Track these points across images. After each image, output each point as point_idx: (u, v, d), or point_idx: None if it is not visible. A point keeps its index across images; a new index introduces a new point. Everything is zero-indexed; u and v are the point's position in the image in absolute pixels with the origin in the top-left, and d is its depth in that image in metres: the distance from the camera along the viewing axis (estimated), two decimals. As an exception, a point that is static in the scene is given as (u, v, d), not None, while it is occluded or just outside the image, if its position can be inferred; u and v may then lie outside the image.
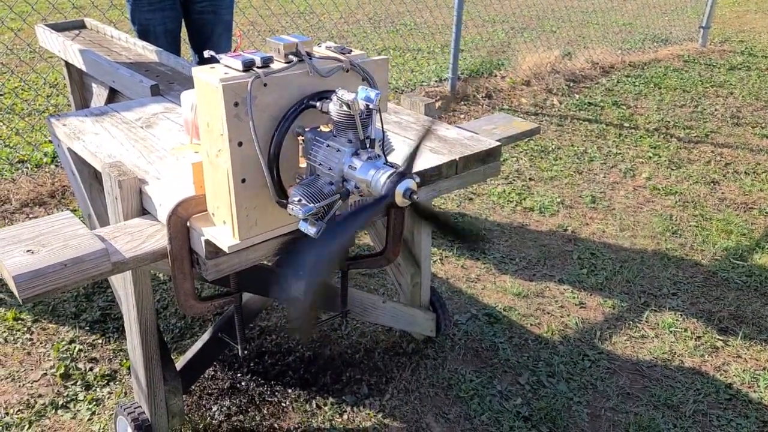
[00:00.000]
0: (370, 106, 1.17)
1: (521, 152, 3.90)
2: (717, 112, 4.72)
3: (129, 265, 1.32)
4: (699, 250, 2.96)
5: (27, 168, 3.44)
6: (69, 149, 1.84)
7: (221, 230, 1.31)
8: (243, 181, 1.24)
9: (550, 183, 3.54)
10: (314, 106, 1.24)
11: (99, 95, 2.49)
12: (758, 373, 2.25)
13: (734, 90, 5.23)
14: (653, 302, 2.59)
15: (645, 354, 2.32)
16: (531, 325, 2.44)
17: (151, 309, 1.61)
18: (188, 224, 1.34)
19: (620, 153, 3.95)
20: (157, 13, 2.76)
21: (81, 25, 2.92)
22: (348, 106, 1.16)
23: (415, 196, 1.15)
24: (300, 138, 1.27)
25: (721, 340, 2.40)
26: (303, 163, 1.30)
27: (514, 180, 3.56)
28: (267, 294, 1.79)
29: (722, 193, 3.52)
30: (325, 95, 1.25)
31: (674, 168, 3.79)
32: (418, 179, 1.20)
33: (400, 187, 1.14)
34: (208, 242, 1.31)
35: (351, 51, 1.32)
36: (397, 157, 1.63)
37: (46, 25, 2.78)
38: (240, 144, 1.21)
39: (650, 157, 3.90)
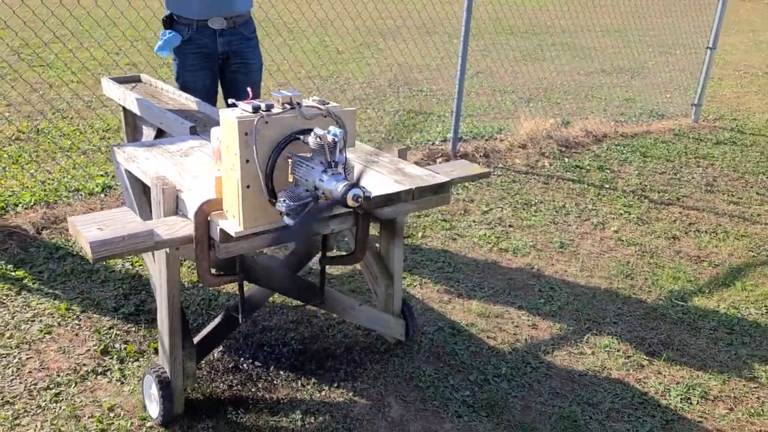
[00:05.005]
0: (336, 140, 1.73)
1: (507, 204, 4.43)
2: (693, 180, 5.21)
3: (165, 244, 1.88)
4: (647, 291, 3.43)
5: (81, 195, 4.07)
6: (126, 170, 2.44)
7: (231, 222, 1.87)
8: (248, 187, 1.80)
9: (527, 230, 4.05)
10: (299, 139, 1.81)
11: (148, 135, 3.12)
12: (672, 385, 2.69)
13: (715, 162, 5.72)
14: (596, 328, 3.06)
15: (579, 366, 2.78)
16: (487, 338, 2.92)
17: (177, 287, 2.16)
18: (209, 217, 1.90)
19: (595, 209, 4.46)
20: (198, 73, 3.41)
21: (137, 79, 3.59)
22: (320, 138, 1.72)
23: (360, 200, 1.70)
24: (289, 160, 1.83)
25: (647, 359, 2.85)
26: (291, 179, 1.86)
27: (495, 226, 4.08)
28: (259, 283, 2.33)
29: (679, 246, 3.99)
30: (307, 132, 1.82)
31: (641, 224, 4.28)
32: (369, 192, 1.75)
33: (351, 192, 1.69)
34: (221, 230, 1.86)
35: (329, 103, 1.90)
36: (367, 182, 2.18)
37: (110, 78, 3.44)
38: (247, 161, 1.77)
39: (621, 214, 4.40)
